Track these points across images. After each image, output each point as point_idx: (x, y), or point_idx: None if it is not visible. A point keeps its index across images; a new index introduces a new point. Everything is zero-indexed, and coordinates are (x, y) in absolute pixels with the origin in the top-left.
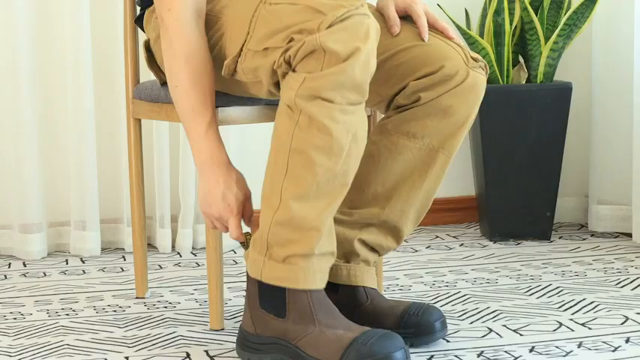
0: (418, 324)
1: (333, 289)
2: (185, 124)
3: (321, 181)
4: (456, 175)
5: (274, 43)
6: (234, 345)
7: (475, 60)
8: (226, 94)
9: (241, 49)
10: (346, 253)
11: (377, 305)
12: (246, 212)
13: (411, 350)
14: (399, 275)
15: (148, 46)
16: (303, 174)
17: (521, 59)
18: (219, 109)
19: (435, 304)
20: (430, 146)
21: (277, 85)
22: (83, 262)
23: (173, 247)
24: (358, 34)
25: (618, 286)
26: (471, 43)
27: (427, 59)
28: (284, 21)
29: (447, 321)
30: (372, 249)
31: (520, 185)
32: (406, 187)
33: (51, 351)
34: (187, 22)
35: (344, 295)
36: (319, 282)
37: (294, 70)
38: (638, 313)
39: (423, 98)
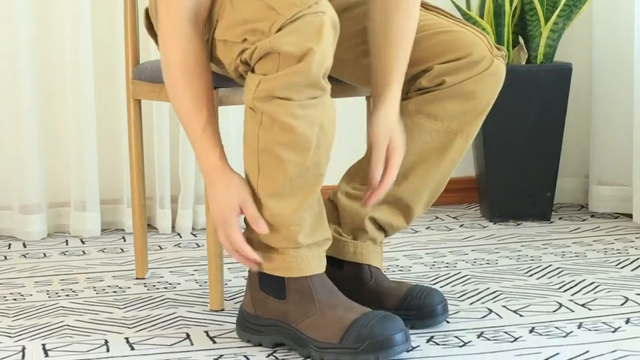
0: (420, 307)
1: (338, 265)
2: (183, 125)
3: (293, 176)
4: None
5: (232, 37)
6: (234, 326)
7: (498, 49)
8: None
9: (212, 36)
10: (355, 230)
11: (380, 285)
12: (248, 216)
13: (412, 332)
14: (399, 256)
15: (147, 14)
16: (275, 172)
17: (521, 40)
18: (219, 89)
19: (434, 285)
20: (449, 129)
21: (242, 77)
22: (83, 242)
23: (173, 227)
24: (310, 34)
25: (618, 266)
26: (471, 24)
27: (454, 45)
28: (242, 15)
29: (447, 302)
30: (381, 228)
31: (520, 166)
32: (422, 168)
33: (51, 332)
34: (185, 26)
35: (349, 272)
36: (315, 268)
37: (252, 71)
38: (638, 294)
39: (447, 82)
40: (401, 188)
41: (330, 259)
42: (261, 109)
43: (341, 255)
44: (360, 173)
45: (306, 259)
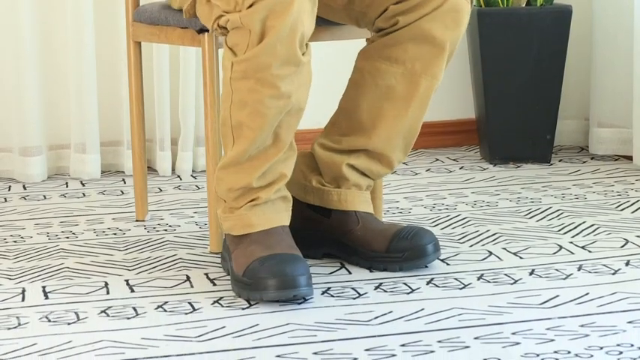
0: (408, 248)
1: (326, 214)
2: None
3: (254, 154)
4: (456, 98)
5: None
6: None
7: None
8: None
9: None
10: (336, 178)
11: (368, 229)
12: None
13: (406, 274)
14: (399, 198)
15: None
16: (239, 147)
17: None
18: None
19: (434, 227)
20: (412, 71)
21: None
22: (83, 185)
23: (173, 170)
24: (276, 11)
25: (618, 209)
26: None
27: None
28: None
29: (447, 244)
30: (363, 173)
31: (520, 108)
32: (390, 115)
33: (51, 274)
34: None
35: (335, 220)
36: (275, 221)
37: (226, 35)
38: (638, 236)
39: (400, 22)
40: (372, 140)
41: (318, 209)
42: (235, 89)
43: (326, 204)
44: (334, 128)
45: (267, 212)
